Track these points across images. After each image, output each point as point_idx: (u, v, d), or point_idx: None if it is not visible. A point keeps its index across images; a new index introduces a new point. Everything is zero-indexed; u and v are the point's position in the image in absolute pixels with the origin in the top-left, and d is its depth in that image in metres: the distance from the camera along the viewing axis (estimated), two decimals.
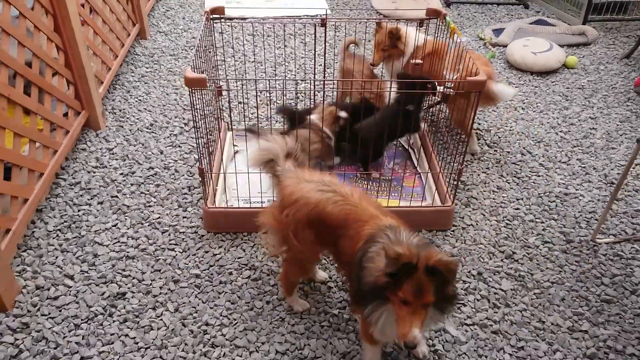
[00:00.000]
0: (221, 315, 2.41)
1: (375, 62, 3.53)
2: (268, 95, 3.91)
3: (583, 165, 3.40)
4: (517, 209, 3.05)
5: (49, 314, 2.37)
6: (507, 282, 2.60)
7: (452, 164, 2.80)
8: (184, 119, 3.74)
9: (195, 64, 2.52)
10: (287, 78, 4.19)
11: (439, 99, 3.26)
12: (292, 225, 2.13)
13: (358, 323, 2.33)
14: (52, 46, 3.06)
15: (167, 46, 4.73)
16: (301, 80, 4.12)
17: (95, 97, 3.47)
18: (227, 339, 2.30)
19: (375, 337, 1.94)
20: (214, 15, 3.04)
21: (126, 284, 2.53)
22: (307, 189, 2.08)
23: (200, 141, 2.61)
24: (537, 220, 2.98)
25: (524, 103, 4.03)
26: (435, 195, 2.98)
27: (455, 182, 2.79)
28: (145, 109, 3.85)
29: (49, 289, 2.47)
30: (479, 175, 3.31)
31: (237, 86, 3.82)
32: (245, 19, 5.09)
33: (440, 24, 3.04)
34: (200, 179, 2.74)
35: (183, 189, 3.12)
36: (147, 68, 4.37)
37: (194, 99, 2.43)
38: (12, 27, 2.60)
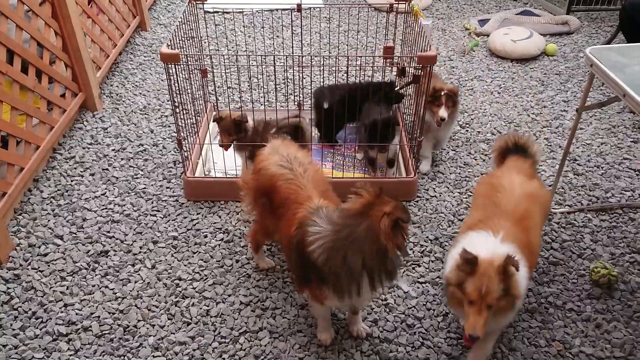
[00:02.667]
0: (193, 272, 2.64)
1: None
2: (251, 78, 4.14)
3: (549, 144, 3.55)
4: None
5: (39, 267, 2.62)
6: None
7: (414, 137, 2.99)
8: (175, 101, 3.99)
9: (174, 43, 2.76)
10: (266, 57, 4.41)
11: (409, 80, 3.43)
12: (253, 191, 2.34)
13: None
14: (50, 31, 3.33)
15: (166, 37, 4.99)
16: (278, 56, 4.35)
17: (92, 81, 3.74)
18: (196, 291, 2.53)
19: (330, 302, 2.06)
20: (198, 2, 3.27)
21: (110, 244, 2.78)
22: (272, 160, 2.22)
23: (178, 114, 2.85)
24: None
25: (501, 87, 4.20)
26: (401, 166, 3.18)
27: (415, 155, 2.98)
28: (141, 93, 4.11)
29: (40, 247, 2.73)
30: (448, 152, 3.49)
31: (219, 63, 4.06)
32: (228, 12, 5.31)
33: (408, 7, 3.25)
34: (179, 149, 2.98)
35: (169, 163, 3.37)
36: (145, 57, 4.63)
37: (171, 73, 2.67)
38: (11, 10, 2.87)
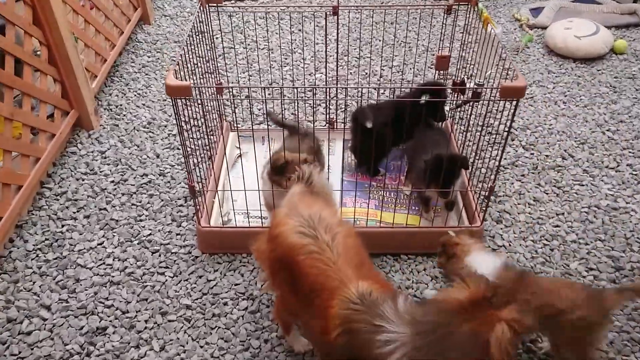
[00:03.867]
0: (212, 357, 2.11)
1: None
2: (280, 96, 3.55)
3: (635, 172, 2.95)
4: (557, 226, 2.65)
5: (19, 353, 2.11)
6: None
7: (483, 177, 2.40)
8: (185, 115, 3.41)
9: (183, 65, 2.17)
10: (296, 85, 3.81)
11: (468, 97, 2.83)
12: (269, 262, 1.82)
13: None
14: (31, 40, 2.75)
15: (172, 32, 4.37)
16: (311, 87, 3.73)
17: (86, 94, 3.16)
18: None
19: None
20: (211, 4, 2.66)
21: (108, 316, 2.25)
22: (290, 226, 1.69)
23: (188, 154, 2.28)
24: (580, 241, 2.57)
25: (566, 96, 3.56)
26: (463, 212, 2.60)
27: (485, 200, 2.40)
28: (144, 104, 3.53)
29: (21, 322, 2.21)
30: (512, 184, 2.90)
31: (240, 94, 3.46)
32: (245, 8, 4.66)
33: (472, 11, 2.61)
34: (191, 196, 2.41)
35: (179, 199, 2.81)
36: (148, 57, 4.03)
37: (179, 108, 2.10)
38: None
